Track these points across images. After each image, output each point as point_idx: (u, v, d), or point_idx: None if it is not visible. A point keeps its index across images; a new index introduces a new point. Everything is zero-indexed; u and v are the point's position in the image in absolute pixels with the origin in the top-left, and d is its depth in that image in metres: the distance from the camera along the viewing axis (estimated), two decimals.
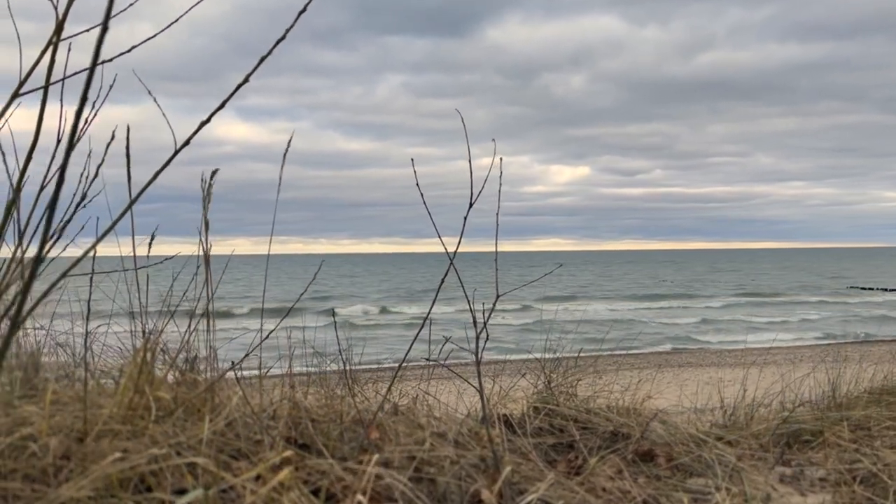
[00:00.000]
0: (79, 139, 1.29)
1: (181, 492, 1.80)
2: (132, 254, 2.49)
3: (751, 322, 35.07)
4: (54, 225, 1.94)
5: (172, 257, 2.76)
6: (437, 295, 2.53)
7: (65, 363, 2.83)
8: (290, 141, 2.35)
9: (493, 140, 2.17)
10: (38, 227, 2.03)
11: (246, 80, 1.65)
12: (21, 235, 1.90)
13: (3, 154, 1.93)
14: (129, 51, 1.88)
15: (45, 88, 1.70)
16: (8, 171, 1.80)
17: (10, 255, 2.06)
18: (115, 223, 1.42)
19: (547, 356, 3.84)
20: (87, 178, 2.15)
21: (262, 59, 1.68)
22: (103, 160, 1.83)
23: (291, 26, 1.66)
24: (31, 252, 2.14)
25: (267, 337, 2.49)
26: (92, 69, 1.22)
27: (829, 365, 4.37)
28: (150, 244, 2.40)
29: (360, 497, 1.88)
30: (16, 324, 1.22)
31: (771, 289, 60.21)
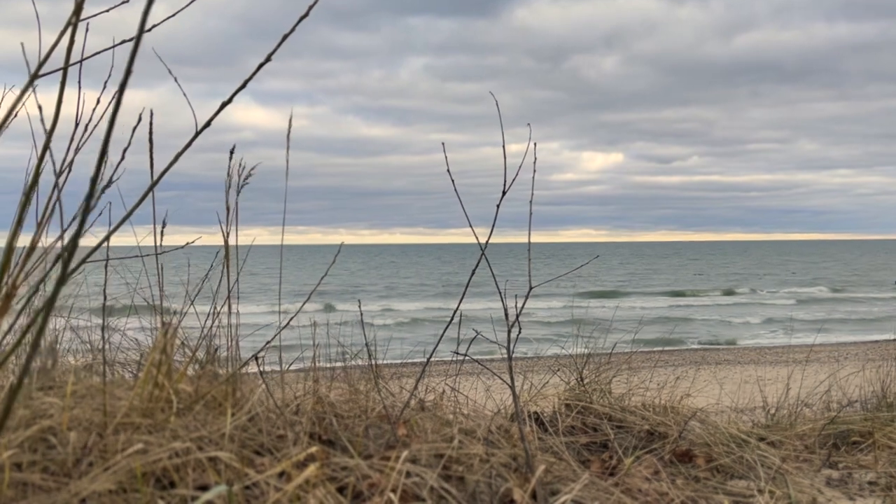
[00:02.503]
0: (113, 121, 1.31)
1: (204, 487, 1.83)
2: (145, 242, 2.52)
3: (834, 323, 33.01)
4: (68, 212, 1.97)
5: (188, 244, 2.78)
6: (467, 287, 2.54)
7: (83, 354, 2.87)
8: (289, 128, 2.35)
9: (529, 125, 2.17)
10: (51, 212, 2.05)
11: (268, 59, 1.65)
12: (40, 223, 1.93)
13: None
14: (149, 30, 1.90)
15: (65, 70, 1.73)
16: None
17: (27, 243, 2.09)
18: (137, 204, 1.44)
19: (579, 352, 3.83)
20: (107, 163, 2.18)
21: (284, 37, 1.68)
22: (129, 143, 1.86)
23: (315, 2, 1.66)
24: (48, 241, 2.17)
25: (287, 325, 2.51)
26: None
27: (876, 363, 4.32)
28: (166, 232, 2.42)
29: (390, 495, 1.89)
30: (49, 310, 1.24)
31: (838, 284, 58.19)
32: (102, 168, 1.32)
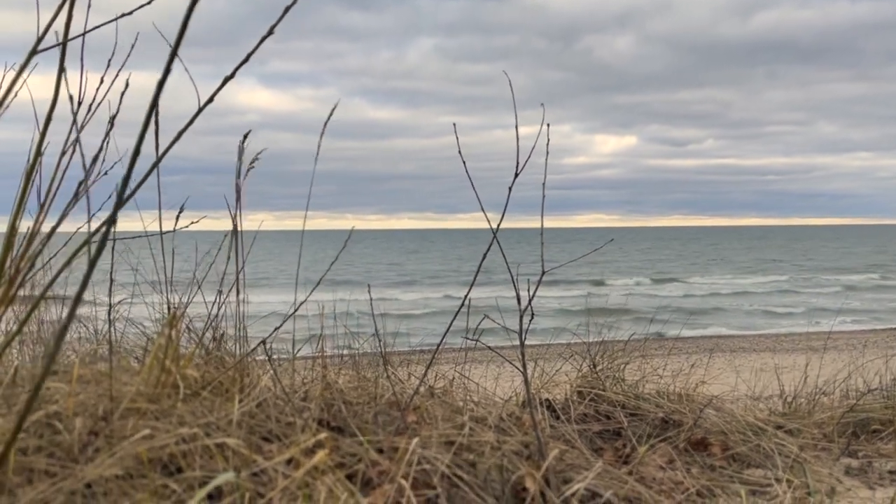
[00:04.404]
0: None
1: (212, 474, 1.84)
2: (151, 226, 2.53)
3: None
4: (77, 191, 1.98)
5: (192, 223, 2.77)
6: (477, 273, 2.53)
7: (88, 340, 2.89)
8: (328, 119, 2.34)
9: (542, 105, 2.16)
10: (53, 196, 2.05)
11: (271, 32, 1.65)
12: (43, 205, 1.93)
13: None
14: (149, 2, 1.89)
15: (64, 45, 1.73)
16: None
17: (29, 227, 2.10)
18: (142, 181, 1.44)
19: (591, 339, 3.83)
20: (108, 144, 2.19)
21: (286, 10, 1.68)
22: (118, 111, 1.86)
23: None
24: (49, 226, 2.18)
25: (296, 310, 2.52)
26: None
27: None
28: (171, 217, 2.43)
29: (401, 482, 1.90)
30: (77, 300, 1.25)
31: (879, 270, 55.82)
32: (136, 163, 1.32)
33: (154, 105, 1.23)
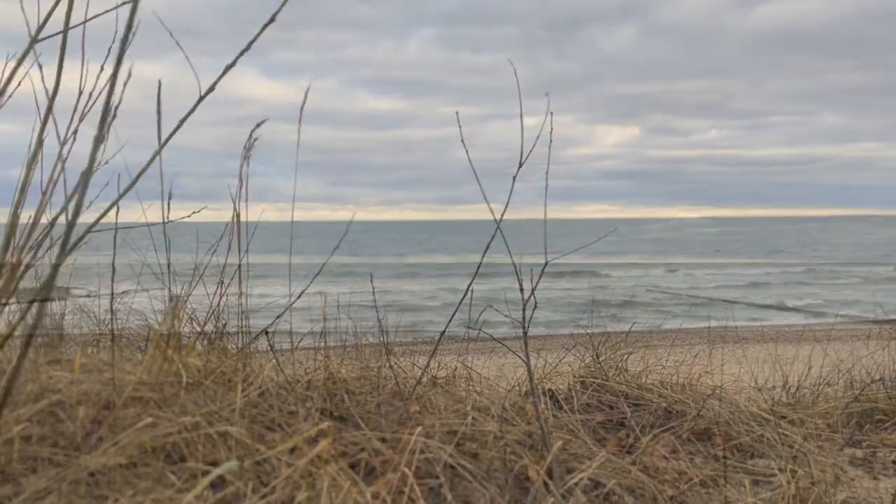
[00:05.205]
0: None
1: (214, 463, 1.84)
2: (151, 217, 2.53)
3: None
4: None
5: (193, 213, 2.77)
6: (480, 263, 2.53)
7: (90, 330, 2.90)
8: (302, 106, 2.33)
9: (547, 94, 2.15)
10: (53, 185, 2.05)
11: (272, 20, 1.65)
12: (44, 195, 1.93)
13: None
14: None
15: (65, 33, 1.72)
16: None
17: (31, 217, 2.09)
18: (144, 169, 1.44)
19: (595, 330, 3.83)
20: (108, 136, 2.19)
21: None
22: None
23: None
24: (50, 216, 2.18)
25: (299, 297, 2.52)
26: None
27: None
28: (172, 207, 2.43)
29: (405, 470, 1.91)
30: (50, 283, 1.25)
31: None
32: (103, 145, 1.32)
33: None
